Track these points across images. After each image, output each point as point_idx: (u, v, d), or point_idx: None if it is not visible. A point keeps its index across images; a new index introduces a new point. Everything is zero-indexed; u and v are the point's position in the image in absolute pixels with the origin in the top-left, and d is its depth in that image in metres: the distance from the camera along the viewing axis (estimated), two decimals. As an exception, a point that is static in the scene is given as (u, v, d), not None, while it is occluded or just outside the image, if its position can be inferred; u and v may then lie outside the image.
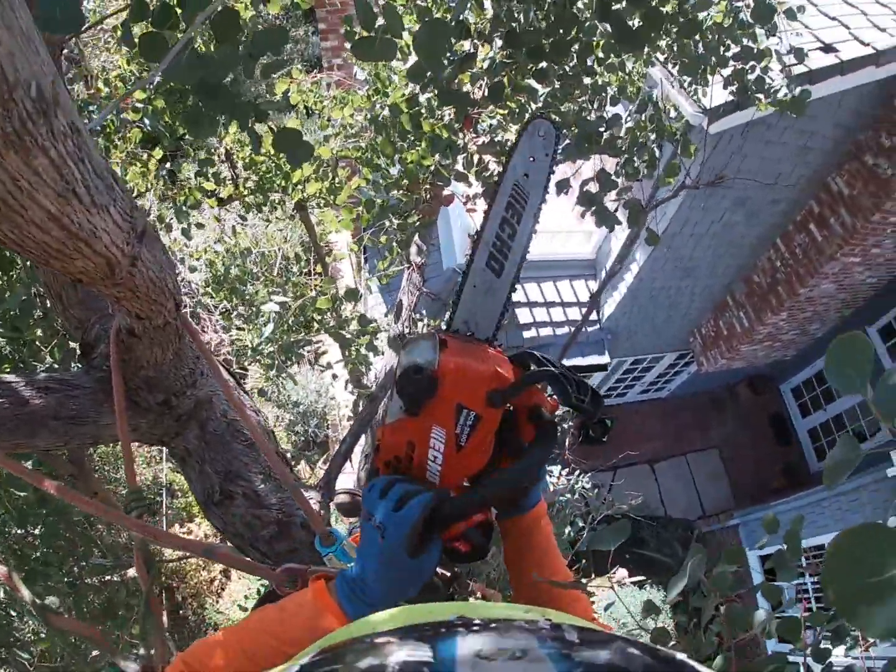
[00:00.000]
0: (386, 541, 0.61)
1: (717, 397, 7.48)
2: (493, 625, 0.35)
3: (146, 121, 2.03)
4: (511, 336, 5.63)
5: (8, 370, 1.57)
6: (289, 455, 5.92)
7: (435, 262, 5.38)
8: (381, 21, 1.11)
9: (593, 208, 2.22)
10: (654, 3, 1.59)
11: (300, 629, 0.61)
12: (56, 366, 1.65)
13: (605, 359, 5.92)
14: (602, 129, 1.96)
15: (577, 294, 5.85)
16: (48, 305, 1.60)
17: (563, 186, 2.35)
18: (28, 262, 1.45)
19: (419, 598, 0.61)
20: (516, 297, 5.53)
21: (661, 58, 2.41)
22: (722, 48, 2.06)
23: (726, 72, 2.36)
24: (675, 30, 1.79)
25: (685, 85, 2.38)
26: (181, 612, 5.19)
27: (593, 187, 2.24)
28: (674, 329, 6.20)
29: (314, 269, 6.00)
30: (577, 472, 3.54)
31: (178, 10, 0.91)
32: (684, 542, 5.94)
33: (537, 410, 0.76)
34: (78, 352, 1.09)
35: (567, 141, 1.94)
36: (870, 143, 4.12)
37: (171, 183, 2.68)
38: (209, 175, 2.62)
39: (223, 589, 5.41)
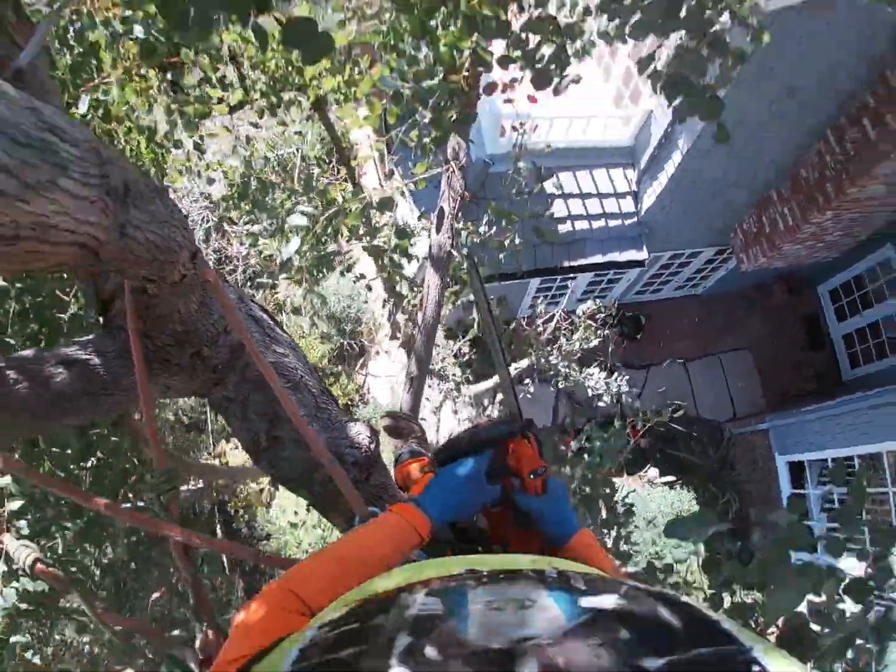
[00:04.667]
0: (473, 464, 0.78)
1: (751, 297, 7.17)
2: (502, 576, 0.36)
3: (138, 30, 1.77)
4: (546, 226, 5.35)
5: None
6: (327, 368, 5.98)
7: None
8: None
9: (680, 96, 1.84)
10: None
11: (389, 542, 0.68)
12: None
13: (643, 254, 5.67)
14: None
15: (614, 184, 5.47)
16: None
17: (647, 63, 1.93)
18: None
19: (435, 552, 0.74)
20: (549, 187, 5.22)
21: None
22: None
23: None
24: None
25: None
26: (233, 524, 5.59)
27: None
28: (714, 223, 5.82)
29: (338, 173, 5.69)
30: (614, 375, 3.47)
31: None
32: (715, 443, 5.97)
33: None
34: (96, 310, 0.99)
35: (637, 15, 1.58)
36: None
37: (175, 94, 2.43)
38: (214, 81, 2.36)
39: (272, 499, 5.77)
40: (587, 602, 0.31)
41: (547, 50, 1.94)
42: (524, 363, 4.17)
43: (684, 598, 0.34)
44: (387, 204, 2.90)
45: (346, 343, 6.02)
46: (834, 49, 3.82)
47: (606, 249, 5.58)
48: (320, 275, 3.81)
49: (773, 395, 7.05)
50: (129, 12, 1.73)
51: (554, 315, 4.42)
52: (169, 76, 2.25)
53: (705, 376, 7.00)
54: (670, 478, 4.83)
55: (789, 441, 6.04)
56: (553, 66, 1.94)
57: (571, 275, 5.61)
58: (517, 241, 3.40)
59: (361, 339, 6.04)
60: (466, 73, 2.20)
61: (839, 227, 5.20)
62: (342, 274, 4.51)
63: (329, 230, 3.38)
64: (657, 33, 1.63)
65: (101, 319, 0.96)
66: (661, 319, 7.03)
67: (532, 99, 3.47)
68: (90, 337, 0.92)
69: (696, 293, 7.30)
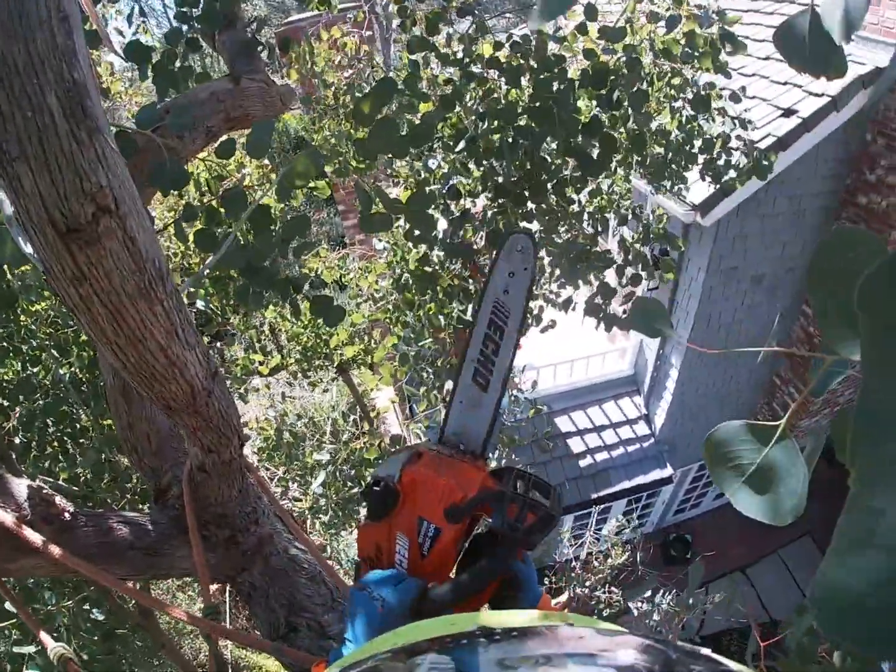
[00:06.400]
0: (385, 616, 0.64)
1: None
2: (514, 633, 0.35)
3: (199, 304, 2.42)
4: (568, 467, 5.55)
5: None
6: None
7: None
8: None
9: (601, 316, 2.42)
10: (605, 130, 1.90)
11: None
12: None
13: (667, 471, 5.72)
14: (588, 248, 2.23)
15: (624, 412, 5.84)
16: (118, 470, 1.81)
17: (567, 304, 2.58)
18: (100, 430, 1.70)
19: None
20: (565, 427, 5.57)
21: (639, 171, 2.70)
22: (686, 147, 2.28)
23: (700, 167, 2.55)
24: (629, 147, 2.09)
25: (668, 190, 2.65)
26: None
27: (598, 300, 2.45)
28: (730, 424, 5.98)
29: (361, 428, 6.22)
30: (661, 592, 3.28)
31: (222, 210, 1.20)
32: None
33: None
34: (152, 496, 1.25)
35: (559, 267, 2.20)
36: (857, 183, 4.21)
37: (220, 360, 3.05)
38: (257, 349, 2.98)
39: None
40: (603, 658, 0.30)
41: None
42: (563, 598, 3.95)
43: (704, 651, 0.33)
44: (397, 441, 3.27)
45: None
46: (778, 235, 4.41)
47: (631, 474, 5.67)
48: (346, 521, 3.95)
49: (847, 569, 6.18)
50: (192, 289, 2.36)
51: (583, 540, 4.33)
52: (218, 344, 2.87)
53: (768, 577, 6.35)
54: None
55: None
56: None
57: (602, 505, 5.61)
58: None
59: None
60: (451, 330, 2.78)
61: (847, 386, 5.25)
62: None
63: (353, 472, 3.69)
64: (579, 280, 2.23)
65: (157, 502, 1.22)
66: (709, 533, 6.66)
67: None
68: (147, 509, 1.16)
69: (736, 501, 7.02)
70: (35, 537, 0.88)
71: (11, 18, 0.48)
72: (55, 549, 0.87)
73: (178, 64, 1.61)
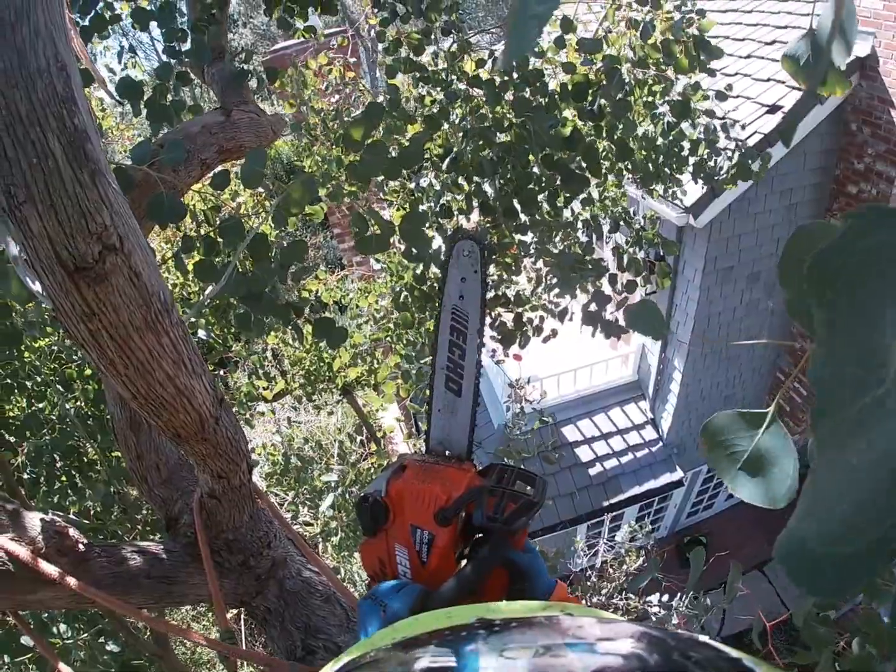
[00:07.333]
0: (389, 614, 0.65)
1: (806, 476, 6.88)
2: (514, 624, 0.35)
3: (200, 333, 2.44)
4: (578, 477, 5.53)
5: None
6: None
7: (486, 422, 5.52)
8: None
9: (598, 325, 2.42)
10: (588, 141, 1.94)
11: None
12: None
13: (677, 474, 5.70)
14: (582, 256, 2.25)
15: (630, 418, 5.84)
16: (128, 502, 1.82)
17: (563, 314, 2.60)
18: (108, 463, 1.71)
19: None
20: (572, 436, 5.55)
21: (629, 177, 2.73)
22: (676, 150, 2.29)
23: (692, 169, 2.57)
24: (614, 155, 2.12)
25: (661, 193, 2.68)
26: None
27: (594, 307, 2.47)
28: (737, 424, 5.98)
29: (368, 448, 6.22)
30: (678, 596, 3.25)
31: (220, 240, 1.23)
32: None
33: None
34: (163, 526, 1.26)
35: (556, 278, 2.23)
36: (846, 173, 4.23)
37: (224, 388, 3.07)
38: (260, 375, 3.00)
39: None
40: (602, 647, 0.30)
41: (508, 316, 2.56)
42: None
43: (702, 638, 0.33)
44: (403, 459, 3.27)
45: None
46: (771, 232, 4.43)
47: (642, 480, 5.66)
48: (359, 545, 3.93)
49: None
50: (193, 319, 2.39)
51: (597, 549, 4.30)
52: (221, 372, 2.89)
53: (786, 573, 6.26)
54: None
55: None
56: (513, 329, 2.53)
57: (614, 513, 5.59)
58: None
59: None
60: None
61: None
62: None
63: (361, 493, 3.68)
64: (579, 290, 2.26)
65: (168, 531, 1.23)
66: (724, 533, 6.61)
67: (517, 357, 4.12)
68: (159, 538, 1.17)
69: (750, 498, 6.99)
70: (51, 569, 0.89)
71: (12, 67, 0.51)
72: (72, 581, 0.88)
73: (169, 98, 1.66)
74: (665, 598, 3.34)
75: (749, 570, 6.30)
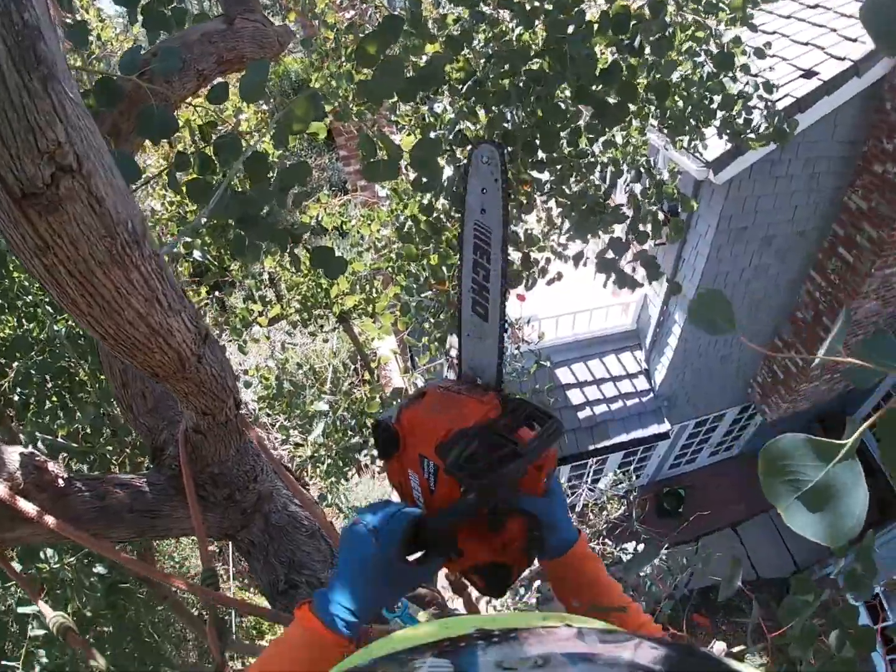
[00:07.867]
0: (381, 545, 0.64)
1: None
2: (513, 635, 0.35)
3: (196, 254, 2.35)
4: (567, 419, 5.61)
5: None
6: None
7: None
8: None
9: (612, 274, 2.34)
10: (624, 78, 1.78)
11: (298, 657, 0.60)
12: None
13: (664, 427, 5.78)
14: (602, 200, 2.12)
15: (625, 366, 5.85)
16: (118, 423, 1.80)
17: (579, 258, 2.50)
18: (98, 385, 1.67)
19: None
20: (565, 378, 5.56)
21: (655, 124, 2.58)
22: (706, 101, 2.19)
23: (718, 123, 2.49)
24: (651, 97, 1.97)
25: (685, 145, 2.53)
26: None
27: (610, 255, 2.37)
28: (729, 383, 6.03)
29: (363, 377, 6.26)
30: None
31: (215, 158, 1.12)
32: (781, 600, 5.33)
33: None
34: (149, 456, 1.23)
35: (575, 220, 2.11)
36: (874, 151, 4.07)
37: (221, 310, 3.00)
38: (256, 298, 2.92)
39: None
40: (602, 659, 0.30)
41: (516, 255, 2.45)
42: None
43: (702, 649, 0.33)
44: (399, 393, 3.26)
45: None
46: (790, 198, 4.31)
47: (629, 428, 5.74)
48: (346, 468, 4.01)
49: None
50: (188, 239, 2.29)
51: (579, 491, 4.41)
52: (217, 294, 2.81)
53: (759, 536, 6.59)
54: (740, 647, 4.20)
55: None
56: (520, 269, 2.43)
57: (599, 458, 5.71)
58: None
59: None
60: (453, 284, 2.71)
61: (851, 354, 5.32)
62: (366, 467, 4.70)
63: (353, 422, 3.70)
64: (591, 235, 2.15)
65: (153, 462, 1.20)
66: (703, 489, 6.83)
67: (521, 297, 4.05)
68: (143, 471, 1.15)
69: (732, 454, 7.18)
70: (29, 507, 0.85)
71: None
72: (50, 519, 0.84)
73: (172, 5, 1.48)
74: (640, 547, 3.45)
75: (723, 528, 6.55)
